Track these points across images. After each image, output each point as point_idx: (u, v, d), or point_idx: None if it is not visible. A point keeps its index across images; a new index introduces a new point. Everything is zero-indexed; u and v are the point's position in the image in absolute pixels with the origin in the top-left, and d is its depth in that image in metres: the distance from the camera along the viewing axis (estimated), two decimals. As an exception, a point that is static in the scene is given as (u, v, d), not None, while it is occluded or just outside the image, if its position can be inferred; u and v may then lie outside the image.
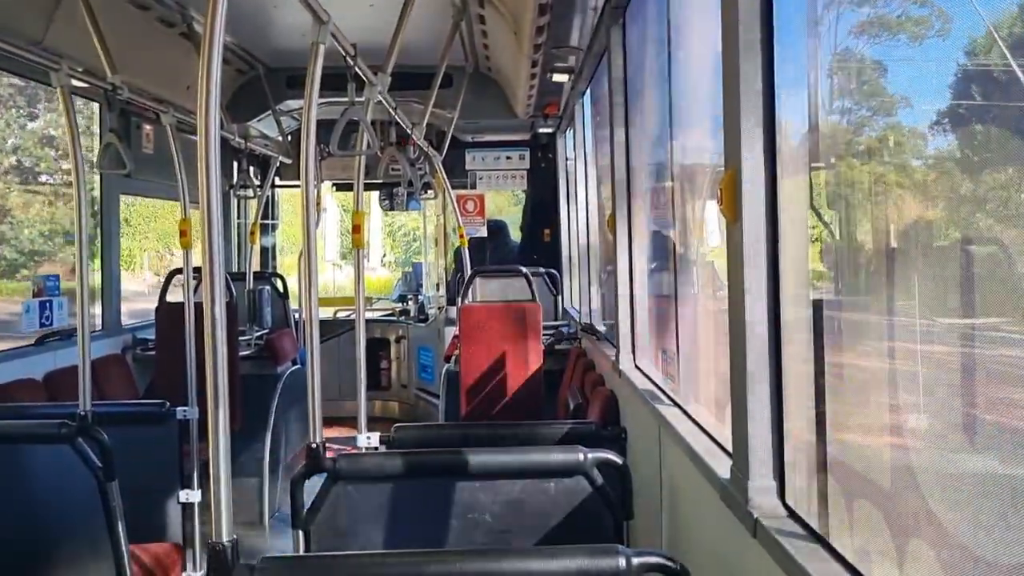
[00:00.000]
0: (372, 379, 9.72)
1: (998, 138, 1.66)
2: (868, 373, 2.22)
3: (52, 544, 3.28)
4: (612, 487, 2.65)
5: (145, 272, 16.93)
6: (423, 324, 9.86)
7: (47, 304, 5.71)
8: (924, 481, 1.82)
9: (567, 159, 8.90)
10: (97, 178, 6.26)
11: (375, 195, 10.96)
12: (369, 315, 9.36)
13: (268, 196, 9.67)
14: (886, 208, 2.08)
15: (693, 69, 3.54)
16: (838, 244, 2.34)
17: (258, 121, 8.31)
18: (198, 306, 4.49)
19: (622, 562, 1.75)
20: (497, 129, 9.12)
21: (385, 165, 6.64)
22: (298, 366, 7.07)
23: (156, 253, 17.43)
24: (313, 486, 2.69)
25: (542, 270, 8.33)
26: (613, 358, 4.61)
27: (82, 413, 3.79)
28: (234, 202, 9.64)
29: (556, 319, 8.18)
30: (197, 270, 4.66)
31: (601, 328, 6.04)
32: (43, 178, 14.97)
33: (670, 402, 3.55)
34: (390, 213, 13.61)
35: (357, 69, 3.74)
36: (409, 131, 6.20)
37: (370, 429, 3.70)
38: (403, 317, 10.19)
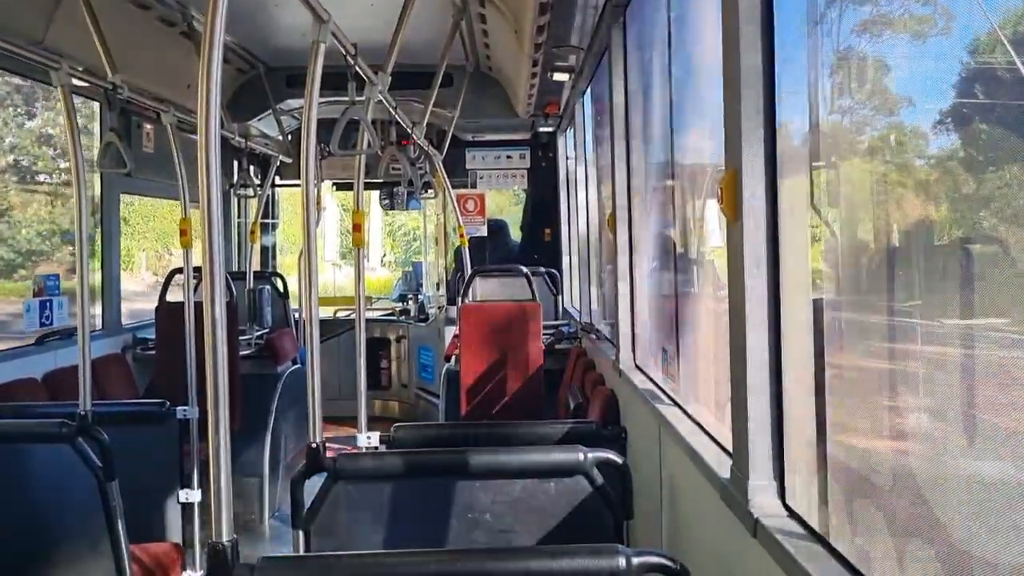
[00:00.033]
0: (372, 379, 9.72)
1: (1002, 137, 1.66)
2: (869, 373, 2.22)
3: (52, 544, 3.27)
4: (612, 487, 2.64)
5: (143, 272, 16.90)
6: (423, 324, 9.85)
7: (47, 304, 5.71)
8: (924, 481, 1.82)
9: (567, 158, 8.89)
10: (97, 177, 6.26)
11: (375, 194, 10.97)
12: (369, 315, 9.34)
13: (268, 195, 9.67)
14: (888, 207, 2.07)
15: (694, 68, 3.53)
16: (840, 243, 2.34)
17: (258, 120, 8.32)
18: (198, 305, 4.48)
19: (622, 562, 1.75)
20: (497, 128, 9.11)
21: (385, 164, 6.63)
22: (298, 366, 7.07)
23: (155, 253, 17.40)
24: (313, 486, 2.69)
25: (542, 270, 8.31)
26: (613, 358, 4.61)
27: (82, 413, 3.79)
28: (234, 201, 9.64)
29: (556, 319, 8.17)
30: (197, 269, 4.65)
31: (601, 328, 6.04)
32: (41, 177, 14.96)
33: (670, 402, 3.55)
34: (390, 212, 13.61)
35: (357, 68, 3.74)
36: (409, 130, 6.20)
37: (370, 429, 3.69)
38: (403, 317, 10.19)
